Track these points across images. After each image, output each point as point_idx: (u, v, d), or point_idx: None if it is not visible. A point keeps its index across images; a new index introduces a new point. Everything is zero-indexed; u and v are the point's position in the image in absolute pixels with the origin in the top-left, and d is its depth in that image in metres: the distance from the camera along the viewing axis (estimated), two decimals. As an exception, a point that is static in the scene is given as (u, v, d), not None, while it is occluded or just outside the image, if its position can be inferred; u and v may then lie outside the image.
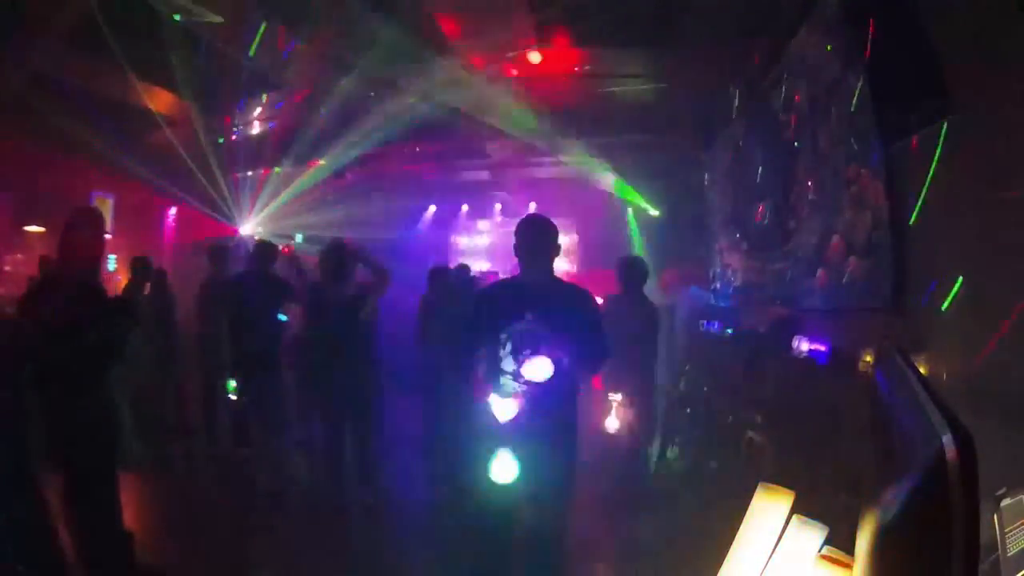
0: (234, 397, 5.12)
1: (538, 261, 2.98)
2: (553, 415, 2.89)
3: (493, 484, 2.79)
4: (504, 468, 2.78)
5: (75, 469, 3.18)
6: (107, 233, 9.53)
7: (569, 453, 2.99)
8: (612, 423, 4.79)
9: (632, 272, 5.28)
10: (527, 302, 2.86)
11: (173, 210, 12.14)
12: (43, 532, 3.09)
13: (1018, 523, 1.62)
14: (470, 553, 3.06)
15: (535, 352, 2.74)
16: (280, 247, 5.55)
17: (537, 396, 2.83)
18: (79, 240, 3.30)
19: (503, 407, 2.81)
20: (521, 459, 2.82)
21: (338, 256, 4.61)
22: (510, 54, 7.36)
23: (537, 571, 2.98)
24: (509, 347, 2.78)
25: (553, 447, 2.90)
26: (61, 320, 3.09)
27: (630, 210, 11.32)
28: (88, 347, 3.13)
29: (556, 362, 2.77)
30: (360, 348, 4.59)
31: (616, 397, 4.83)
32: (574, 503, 3.20)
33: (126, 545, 3.36)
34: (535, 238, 2.98)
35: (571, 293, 3.06)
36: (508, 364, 2.80)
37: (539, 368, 2.74)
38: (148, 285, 6.72)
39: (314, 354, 4.75)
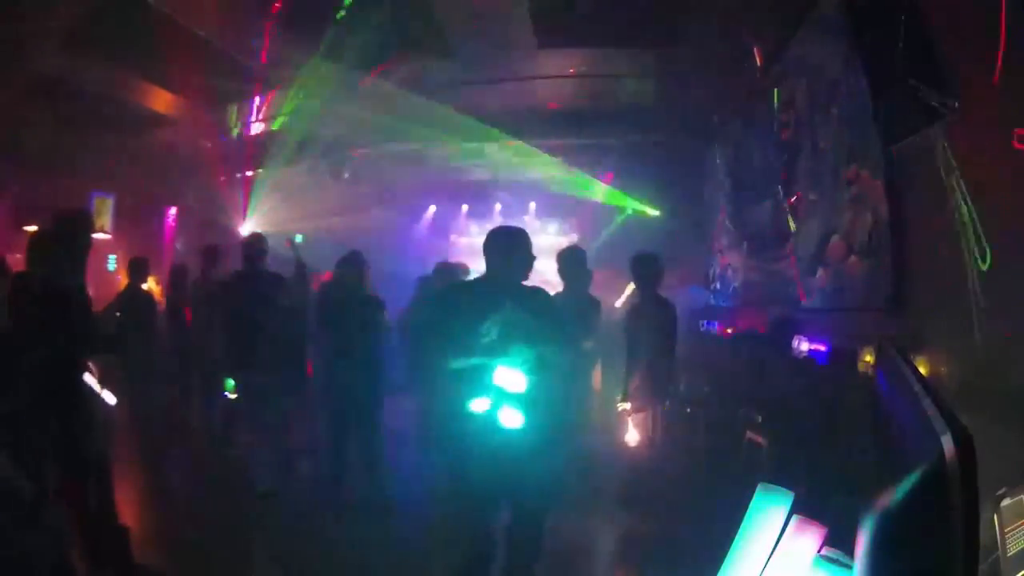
0: (232, 396, 5.11)
1: (514, 267, 3.07)
2: (531, 416, 2.92)
3: (475, 484, 2.86)
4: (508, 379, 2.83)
5: (68, 466, 3.18)
6: (106, 233, 9.48)
7: (550, 454, 3.03)
8: (631, 436, 4.72)
9: (640, 271, 4.91)
10: (499, 303, 2.93)
11: (173, 210, 12.14)
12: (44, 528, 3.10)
13: (1018, 523, 1.62)
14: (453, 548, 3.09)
15: (515, 345, 2.83)
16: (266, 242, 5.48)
17: (514, 397, 2.88)
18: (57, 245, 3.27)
19: (510, 378, 2.86)
20: (501, 461, 2.85)
21: (353, 268, 4.69)
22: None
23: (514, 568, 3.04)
24: (490, 340, 2.84)
25: (532, 448, 2.91)
26: (32, 323, 3.09)
27: (629, 210, 11.34)
28: (55, 351, 3.12)
29: (529, 361, 2.87)
30: (373, 352, 4.64)
31: (625, 406, 4.73)
32: (564, 503, 3.21)
33: (123, 540, 3.37)
34: (513, 248, 3.07)
35: (537, 295, 3.13)
36: (488, 357, 2.86)
37: (515, 379, 2.84)
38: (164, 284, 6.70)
39: (331, 359, 4.78)
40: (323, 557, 3.91)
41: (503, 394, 2.86)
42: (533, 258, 3.10)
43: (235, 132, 10.71)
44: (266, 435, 4.89)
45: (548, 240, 12.32)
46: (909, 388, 1.29)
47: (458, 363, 2.90)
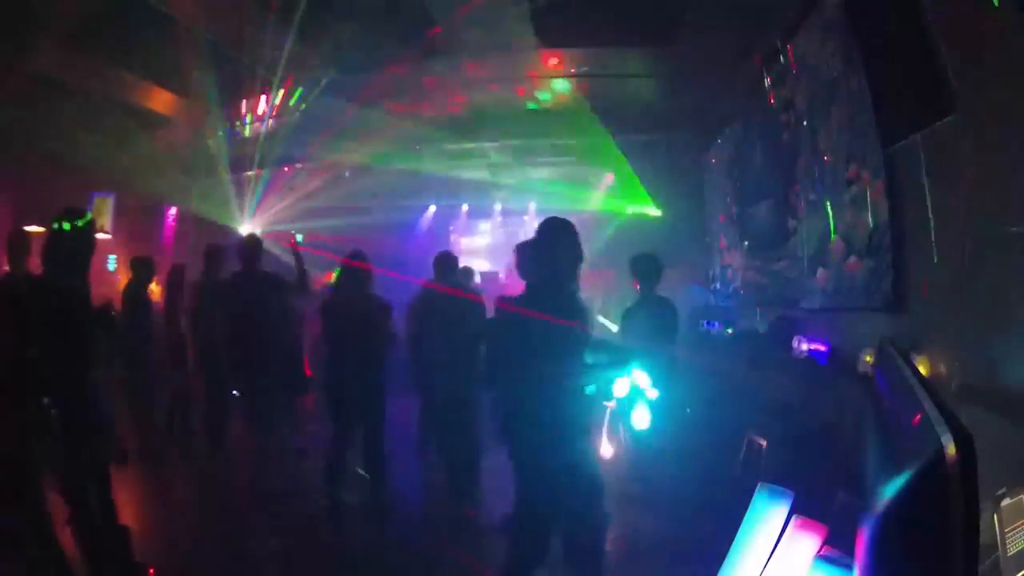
0: (232, 395, 5.12)
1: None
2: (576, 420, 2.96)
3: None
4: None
5: (69, 466, 3.18)
6: (106, 233, 9.44)
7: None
8: (605, 450, 4.74)
9: (640, 270, 4.90)
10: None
11: (173, 210, 12.13)
12: (45, 528, 3.10)
13: (1018, 523, 1.62)
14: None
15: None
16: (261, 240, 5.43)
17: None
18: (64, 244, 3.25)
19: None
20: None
21: (355, 268, 4.66)
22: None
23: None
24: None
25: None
26: (34, 324, 3.08)
27: (629, 210, 11.33)
28: (56, 351, 3.11)
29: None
30: (376, 353, 4.62)
31: (610, 403, 4.74)
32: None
33: (124, 539, 3.37)
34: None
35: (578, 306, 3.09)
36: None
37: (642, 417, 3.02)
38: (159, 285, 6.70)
39: (332, 362, 4.76)
40: (323, 557, 3.91)
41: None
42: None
43: (236, 132, 10.70)
44: (265, 435, 4.89)
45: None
46: (909, 388, 1.29)
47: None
